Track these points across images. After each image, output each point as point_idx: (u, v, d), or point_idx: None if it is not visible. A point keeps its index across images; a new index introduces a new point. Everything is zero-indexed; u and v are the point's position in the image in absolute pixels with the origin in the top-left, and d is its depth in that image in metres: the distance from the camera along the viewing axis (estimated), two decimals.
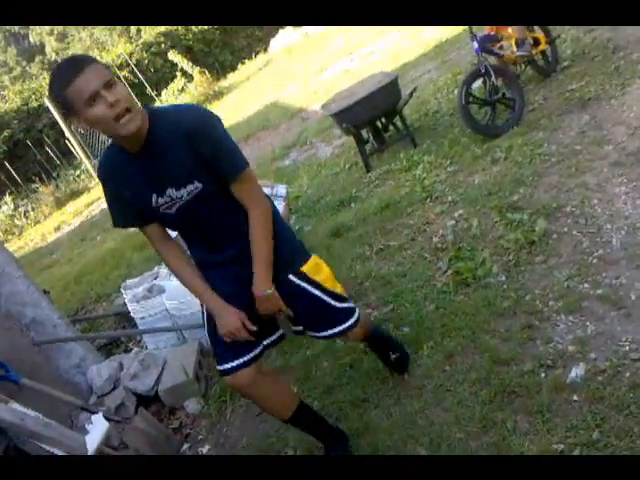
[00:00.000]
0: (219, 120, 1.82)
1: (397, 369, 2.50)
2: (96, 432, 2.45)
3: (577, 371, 2.12)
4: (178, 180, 1.78)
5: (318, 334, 2.12)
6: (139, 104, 1.78)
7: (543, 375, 2.18)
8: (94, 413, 2.66)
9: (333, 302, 2.05)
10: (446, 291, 2.92)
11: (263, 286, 1.90)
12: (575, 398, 2.03)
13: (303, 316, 2.06)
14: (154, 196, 1.81)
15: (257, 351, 2.02)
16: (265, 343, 2.06)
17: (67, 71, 1.61)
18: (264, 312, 1.95)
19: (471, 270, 2.94)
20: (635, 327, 2.18)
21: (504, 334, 2.46)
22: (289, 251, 2.02)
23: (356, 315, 2.12)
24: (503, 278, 2.81)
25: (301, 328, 2.12)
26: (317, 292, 2.01)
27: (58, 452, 2.25)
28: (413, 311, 2.88)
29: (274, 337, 2.10)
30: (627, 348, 2.11)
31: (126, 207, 1.87)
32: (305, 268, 2.01)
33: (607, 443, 1.80)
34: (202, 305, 2.03)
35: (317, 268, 2.04)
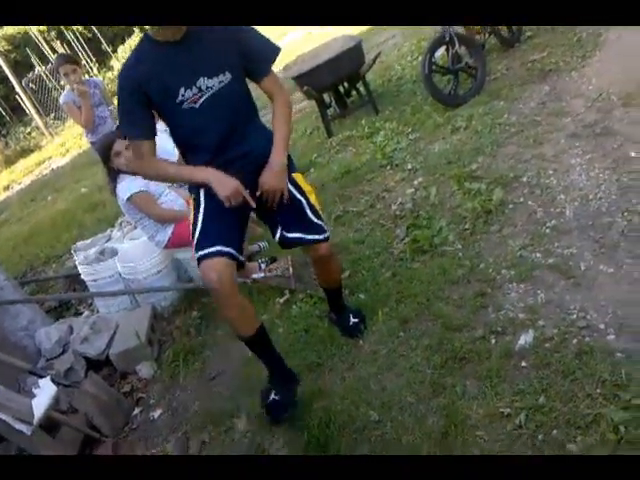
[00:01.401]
0: None
1: (353, 331, 2.55)
2: (44, 396, 2.39)
3: (526, 338, 2.17)
4: (212, 68, 1.91)
5: (290, 234, 2.19)
6: None
7: (493, 341, 2.21)
8: (42, 377, 2.59)
9: (310, 214, 2.19)
10: (403, 258, 2.93)
11: (280, 157, 2.08)
12: (523, 364, 2.07)
13: (282, 216, 2.18)
14: (182, 89, 1.90)
15: (233, 251, 2.04)
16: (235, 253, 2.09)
17: None
18: (271, 188, 2.07)
19: (428, 238, 2.95)
20: (583, 296, 2.23)
21: (457, 301, 2.49)
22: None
23: (327, 234, 2.24)
24: (459, 246, 2.84)
25: (277, 236, 2.22)
26: (302, 198, 2.18)
27: (4, 416, 2.19)
28: (370, 278, 2.88)
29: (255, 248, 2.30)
30: (574, 316, 2.16)
31: (138, 116, 1.95)
32: (296, 176, 2.20)
33: (552, 407, 1.85)
34: (196, 199, 2.10)
35: (304, 181, 2.23)
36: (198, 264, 2.04)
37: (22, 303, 3.38)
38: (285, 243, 2.23)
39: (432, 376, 2.17)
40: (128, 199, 3.22)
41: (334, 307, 2.63)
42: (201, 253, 2.02)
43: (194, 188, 2.13)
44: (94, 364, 3.02)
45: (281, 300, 3.04)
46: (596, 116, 3.33)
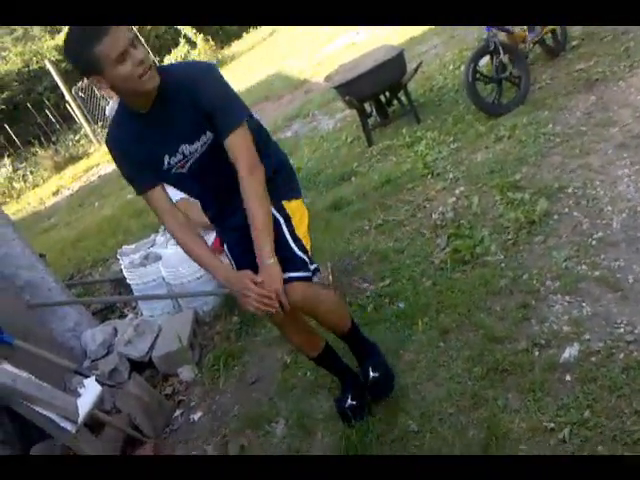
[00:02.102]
0: (217, 70, 1.84)
1: (372, 391, 2.26)
2: (88, 396, 2.45)
3: (571, 351, 2.12)
4: (190, 134, 1.81)
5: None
6: None
7: (537, 354, 2.18)
8: (87, 377, 2.66)
9: (293, 245, 1.96)
10: (443, 268, 2.91)
11: (264, 258, 1.82)
12: (568, 378, 2.03)
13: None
14: (166, 157, 1.84)
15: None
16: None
17: (93, 31, 1.61)
18: (267, 286, 1.81)
19: (469, 248, 2.92)
20: (631, 310, 2.17)
21: (499, 312, 2.45)
22: (283, 184, 2.03)
23: (308, 273, 1.97)
24: (501, 257, 2.80)
25: None
26: (285, 229, 1.96)
27: (50, 414, 2.26)
28: (409, 287, 2.87)
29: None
30: (622, 330, 2.11)
31: (143, 172, 1.88)
32: (287, 204, 2.00)
33: (597, 423, 1.80)
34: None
35: (298, 211, 2.03)
36: None
37: (69, 304, 3.49)
38: None
39: (473, 388, 2.15)
40: None
41: (355, 355, 2.36)
42: None
43: (220, 243, 2.16)
44: (137, 366, 3.09)
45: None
46: None
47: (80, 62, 1.67)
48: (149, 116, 1.78)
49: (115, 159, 1.91)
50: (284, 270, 1.89)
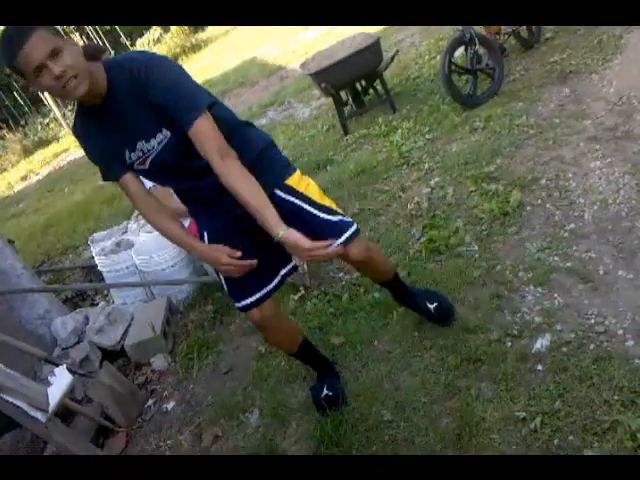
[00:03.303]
0: (170, 60, 1.74)
1: (439, 318, 2.39)
2: (59, 384, 2.41)
3: (542, 341, 2.16)
4: (145, 131, 1.71)
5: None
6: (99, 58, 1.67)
7: (509, 344, 2.21)
8: (58, 365, 2.62)
9: (322, 214, 1.91)
10: (418, 258, 2.93)
11: (273, 230, 1.70)
12: (539, 368, 2.06)
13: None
14: (127, 152, 1.76)
15: (276, 282, 2.03)
16: (282, 273, 2.06)
17: (12, 41, 1.54)
18: (300, 256, 1.77)
19: (444, 238, 2.94)
20: (601, 301, 2.22)
21: (473, 303, 2.48)
22: (271, 167, 1.92)
23: (354, 227, 1.95)
24: (475, 247, 2.82)
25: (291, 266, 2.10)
26: (305, 205, 1.90)
27: (20, 403, 2.21)
28: None
29: (289, 266, 2.09)
30: (592, 321, 2.15)
31: (109, 161, 1.81)
32: (289, 181, 1.92)
33: (568, 412, 1.84)
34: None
35: (302, 181, 1.95)
36: (240, 311, 2.04)
37: (39, 292, 3.42)
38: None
39: (446, 377, 2.17)
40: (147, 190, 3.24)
41: (401, 300, 2.42)
42: (238, 305, 2.00)
43: (198, 229, 2.01)
44: (109, 354, 3.05)
45: (296, 297, 3.05)
46: (617, 120, 3.30)
47: (10, 68, 1.61)
48: (104, 110, 1.70)
49: (82, 147, 1.85)
50: (336, 237, 1.87)
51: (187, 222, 3.32)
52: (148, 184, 3.21)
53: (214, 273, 3.47)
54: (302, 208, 1.90)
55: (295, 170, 1.98)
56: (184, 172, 1.81)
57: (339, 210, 1.98)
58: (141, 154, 1.75)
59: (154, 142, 1.73)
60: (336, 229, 1.91)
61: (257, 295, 1.98)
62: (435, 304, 2.39)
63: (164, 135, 1.72)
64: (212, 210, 1.90)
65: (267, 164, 1.91)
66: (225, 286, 2.01)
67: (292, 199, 1.90)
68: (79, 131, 1.81)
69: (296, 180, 1.94)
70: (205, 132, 1.67)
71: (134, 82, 1.65)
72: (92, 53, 1.66)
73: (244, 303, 1.99)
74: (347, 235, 1.92)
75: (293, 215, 1.84)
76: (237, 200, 1.72)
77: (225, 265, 1.82)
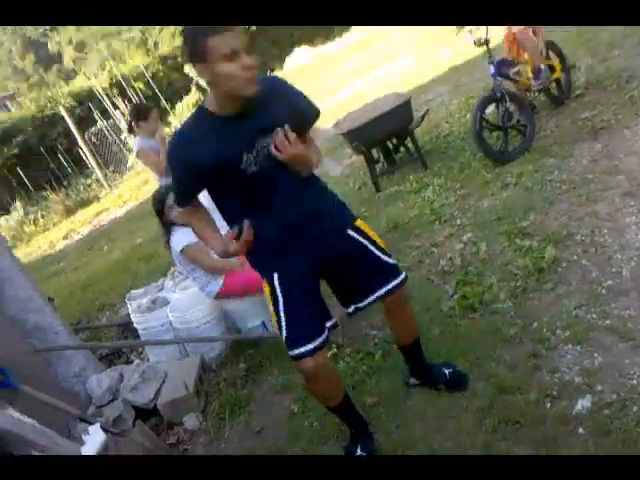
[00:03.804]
0: None
1: (452, 383, 2.41)
2: (92, 443, 2.42)
3: (583, 403, 2.09)
4: (267, 127, 1.87)
5: (372, 296, 2.15)
6: None
7: (548, 406, 2.14)
8: (91, 424, 2.63)
9: (384, 257, 2.14)
10: (452, 315, 2.89)
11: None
12: (581, 431, 1.99)
13: (360, 276, 2.12)
14: (244, 155, 1.87)
15: (325, 334, 2.09)
16: (327, 325, 2.13)
17: (217, 25, 1.69)
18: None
19: (478, 295, 2.91)
20: None
21: (509, 362, 2.42)
22: (344, 208, 2.18)
23: (404, 273, 2.19)
24: (510, 304, 2.78)
25: (352, 309, 2.19)
26: (371, 247, 2.12)
27: None
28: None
29: (332, 321, 2.17)
30: (635, 381, 2.08)
31: (193, 185, 1.97)
32: (358, 223, 2.15)
33: None
34: (271, 288, 2.06)
35: (366, 225, 2.18)
36: (293, 359, 2.08)
37: (75, 349, 3.47)
38: (361, 309, 2.21)
39: (484, 440, 2.10)
40: (181, 251, 3.32)
41: (417, 367, 2.48)
42: (296, 353, 2.04)
43: (265, 271, 2.07)
44: (142, 413, 3.04)
45: (328, 355, 3.02)
46: None
47: (191, 46, 1.73)
48: (234, 117, 1.84)
49: (173, 165, 1.94)
50: (388, 282, 2.13)
51: (221, 279, 3.37)
52: (182, 242, 3.28)
53: (247, 330, 3.50)
54: (367, 248, 2.12)
55: (356, 216, 2.20)
56: (284, 179, 1.94)
57: (390, 254, 2.20)
58: (255, 154, 1.88)
59: (270, 138, 1.88)
60: (393, 270, 2.16)
61: (316, 342, 2.03)
62: (450, 369, 2.45)
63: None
64: (295, 242, 2.00)
65: (340, 205, 2.18)
66: (285, 331, 2.04)
67: (360, 239, 2.12)
68: (189, 139, 1.88)
69: (361, 223, 2.18)
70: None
71: (275, 89, 1.93)
72: None
73: (303, 350, 2.02)
74: (402, 277, 2.17)
75: (359, 253, 2.10)
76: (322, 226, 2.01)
77: (224, 248, 1.94)
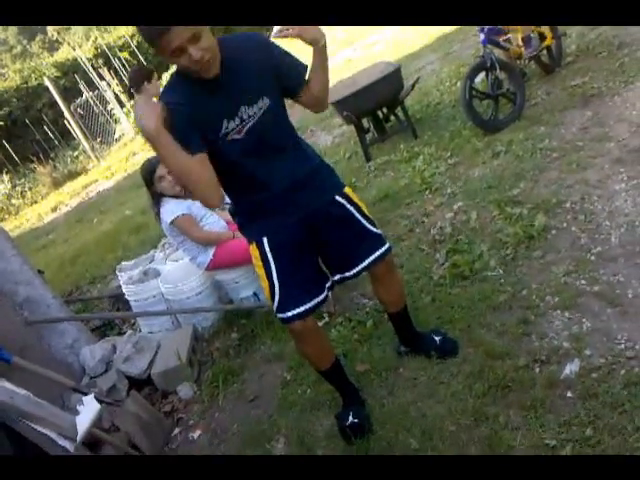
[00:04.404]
0: None
1: (442, 350, 2.43)
2: (87, 413, 2.44)
3: (571, 367, 2.12)
4: (252, 95, 1.86)
5: (359, 265, 2.15)
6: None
7: (537, 370, 2.17)
8: (86, 394, 2.65)
9: (369, 226, 2.15)
10: (443, 284, 2.91)
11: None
12: (569, 394, 2.02)
13: (346, 245, 2.12)
14: (225, 122, 1.84)
15: (322, 296, 2.13)
16: (327, 285, 2.17)
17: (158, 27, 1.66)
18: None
19: (468, 263, 2.93)
20: (631, 325, 2.18)
21: (499, 328, 2.45)
22: (333, 175, 2.18)
23: (387, 244, 2.19)
24: (500, 272, 2.80)
25: (337, 277, 2.20)
26: (358, 215, 2.12)
27: (48, 432, 2.24)
28: (409, 302, 2.84)
29: (329, 282, 2.20)
30: (622, 346, 2.11)
31: (198, 130, 1.83)
32: (347, 190, 2.15)
33: (600, 440, 1.80)
34: (261, 252, 2.04)
35: (354, 193, 2.18)
36: (281, 321, 2.11)
37: (68, 321, 3.48)
38: (348, 279, 2.22)
39: (474, 405, 2.14)
40: (171, 222, 3.30)
41: (406, 334, 2.51)
42: (289, 315, 2.06)
43: (254, 235, 2.06)
44: (136, 383, 3.07)
45: (320, 323, 3.04)
46: None
47: (150, 44, 1.74)
48: (211, 82, 1.80)
49: (170, 116, 1.80)
50: (373, 251, 2.14)
51: (212, 250, 3.36)
52: (176, 212, 3.26)
53: (239, 300, 3.51)
54: (354, 216, 2.12)
55: (345, 184, 2.20)
56: (271, 148, 1.95)
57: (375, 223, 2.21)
58: (239, 122, 1.85)
59: (255, 108, 1.87)
60: (378, 239, 2.17)
61: (306, 306, 2.05)
62: (440, 337, 2.48)
63: (265, 103, 1.89)
64: (284, 206, 1.99)
65: (328, 171, 2.18)
66: (276, 294, 2.05)
67: (348, 206, 2.11)
68: (172, 98, 1.81)
69: (349, 191, 2.17)
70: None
71: (251, 49, 1.88)
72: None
73: (292, 313, 2.05)
74: (387, 246, 2.18)
75: (345, 220, 2.10)
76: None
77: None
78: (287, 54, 1.98)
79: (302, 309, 2.05)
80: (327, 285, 2.18)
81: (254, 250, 2.06)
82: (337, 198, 2.10)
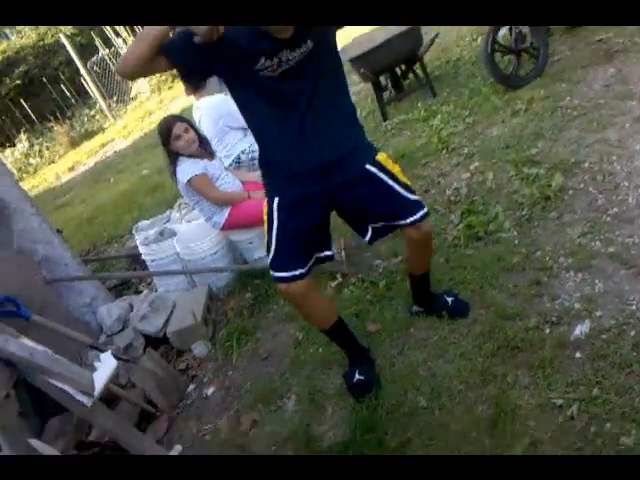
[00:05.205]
0: None
1: (455, 311, 2.44)
2: (104, 370, 2.49)
3: (582, 328, 2.11)
4: (295, 39, 1.76)
5: (396, 222, 2.11)
6: None
7: (547, 331, 2.17)
8: (103, 351, 2.71)
9: (405, 192, 2.07)
10: (457, 245, 2.89)
11: None
12: (578, 355, 2.02)
13: (380, 209, 2.08)
14: (262, 58, 1.76)
15: (311, 263, 2.12)
16: (317, 256, 2.15)
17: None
18: None
19: (483, 224, 2.90)
20: None
21: (511, 289, 2.44)
22: (366, 142, 2.09)
23: (426, 208, 2.13)
24: (515, 233, 2.78)
25: (368, 237, 2.16)
26: (391, 182, 2.04)
27: (66, 387, 2.30)
28: None
29: (326, 253, 2.18)
30: (634, 307, 2.09)
31: (204, 57, 1.76)
32: (379, 157, 2.06)
33: (606, 400, 1.80)
34: (269, 209, 2.04)
35: (389, 160, 2.10)
36: (273, 280, 2.12)
37: (86, 280, 3.54)
38: (379, 236, 2.19)
39: (483, 364, 2.15)
40: (187, 182, 3.30)
41: (422, 295, 2.51)
42: (276, 276, 2.08)
43: (269, 191, 2.06)
44: (152, 341, 3.13)
45: (333, 284, 3.06)
46: None
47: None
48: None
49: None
50: (408, 215, 2.06)
51: (228, 210, 3.37)
52: (191, 172, 3.26)
53: (253, 261, 3.53)
54: (388, 184, 2.04)
55: (379, 151, 2.11)
56: (307, 104, 1.85)
57: (415, 191, 2.13)
58: (277, 62, 1.77)
59: (297, 52, 1.78)
60: (414, 206, 2.08)
61: (295, 272, 2.05)
62: (452, 298, 2.48)
63: (307, 46, 1.79)
64: (305, 180, 1.95)
65: (362, 144, 2.08)
66: (271, 253, 2.07)
67: (382, 175, 2.03)
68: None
69: (384, 157, 2.08)
70: None
71: None
72: None
73: (281, 275, 2.07)
74: (421, 213, 2.08)
75: (378, 188, 2.02)
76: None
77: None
78: None
79: (290, 274, 2.05)
80: (322, 255, 2.16)
81: (265, 205, 2.07)
82: (368, 167, 2.02)
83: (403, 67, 5.10)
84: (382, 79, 5.10)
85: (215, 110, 3.98)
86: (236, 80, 1.87)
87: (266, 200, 2.07)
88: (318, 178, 1.96)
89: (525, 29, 4.30)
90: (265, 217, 2.07)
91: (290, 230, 2.03)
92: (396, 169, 2.09)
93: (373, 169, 2.02)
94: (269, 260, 2.10)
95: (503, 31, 4.54)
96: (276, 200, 2.03)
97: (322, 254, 2.17)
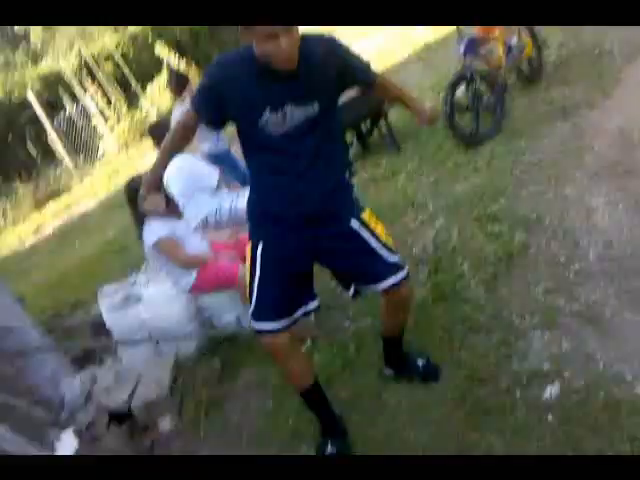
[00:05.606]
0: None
1: (425, 375, 2.43)
2: (64, 450, 2.40)
3: (552, 390, 2.11)
4: (301, 97, 1.83)
5: (374, 285, 2.11)
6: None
7: (518, 394, 2.16)
8: (64, 429, 2.60)
9: (386, 253, 2.07)
10: (425, 305, 2.89)
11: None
12: (550, 418, 2.01)
13: (360, 269, 2.11)
14: (267, 111, 1.82)
15: (296, 316, 2.09)
16: (304, 309, 2.13)
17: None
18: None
19: (450, 283, 2.92)
20: (609, 345, 2.18)
21: (481, 350, 2.44)
22: (352, 199, 2.12)
23: (406, 270, 2.12)
24: (481, 292, 2.79)
25: (352, 292, 2.26)
26: (373, 242, 2.05)
27: None
28: None
29: (310, 305, 2.15)
30: (601, 366, 2.10)
31: (210, 105, 1.89)
32: (364, 216, 2.08)
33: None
34: (252, 255, 2.04)
35: (373, 219, 2.12)
36: (256, 333, 2.09)
37: (47, 352, 3.42)
38: (361, 293, 2.20)
39: (456, 431, 2.11)
40: (154, 244, 3.25)
41: (394, 359, 2.48)
42: (258, 328, 2.05)
43: (253, 235, 2.07)
44: (116, 415, 3.01)
45: (303, 349, 3.01)
46: (618, 155, 3.29)
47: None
48: (273, 70, 1.79)
49: (212, 74, 1.90)
50: (386, 277, 2.06)
51: (194, 273, 3.32)
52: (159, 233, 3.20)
53: (221, 325, 3.47)
54: (369, 244, 2.05)
55: (365, 208, 2.14)
56: (304, 160, 1.91)
57: (396, 251, 2.14)
58: (282, 117, 1.83)
59: (302, 110, 1.84)
60: (393, 269, 2.08)
61: (280, 324, 2.03)
62: (424, 361, 2.46)
63: (314, 109, 1.86)
64: (292, 223, 1.97)
65: (350, 200, 2.11)
66: (253, 302, 2.04)
67: (363, 233, 2.05)
68: (223, 72, 1.87)
69: (368, 216, 2.11)
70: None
71: (319, 50, 1.86)
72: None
73: (265, 327, 2.03)
74: (400, 276, 2.08)
75: (359, 247, 2.05)
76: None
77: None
78: (351, 55, 1.99)
79: (275, 326, 2.02)
80: (311, 308, 2.15)
81: (249, 248, 2.07)
82: (353, 225, 2.05)
83: (368, 123, 5.20)
84: (347, 136, 5.19)
85: (183, 170, 3.97)
86: (243, 134, 1.96)
87: (249, 246, 2.07)
88: (306, 225, 1.98)
89: (482, 86, 4.44)
90: (248, 264, 2.06)
91: (272, 275, 2.01)
92: (379, 228, 2.11)
93: (356, 226, 2.05)
94: (250, 311, 2.06)
95: (461, 89, 4.69)
96: (260, 246, 2.03)
97: (308, 307, 2.14)
